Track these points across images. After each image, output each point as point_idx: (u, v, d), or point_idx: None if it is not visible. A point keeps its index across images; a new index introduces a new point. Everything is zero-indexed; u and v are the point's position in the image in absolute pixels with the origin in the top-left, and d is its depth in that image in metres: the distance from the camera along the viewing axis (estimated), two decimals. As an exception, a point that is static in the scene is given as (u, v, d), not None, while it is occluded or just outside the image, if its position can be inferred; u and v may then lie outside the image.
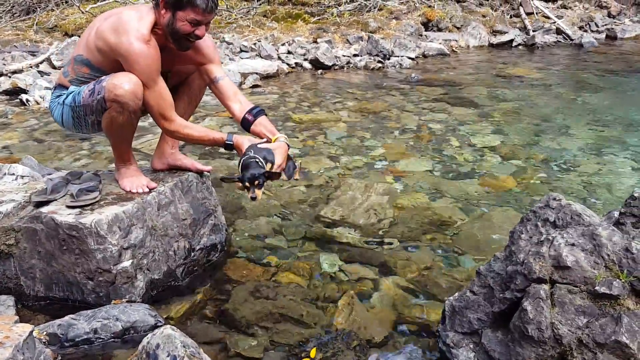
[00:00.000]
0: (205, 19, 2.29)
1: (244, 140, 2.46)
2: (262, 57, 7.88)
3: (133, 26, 2.24)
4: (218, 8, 2.26)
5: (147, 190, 2.44)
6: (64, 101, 2.46)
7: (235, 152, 2.54)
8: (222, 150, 2.73)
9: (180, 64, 2.57)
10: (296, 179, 2.76)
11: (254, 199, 2.26)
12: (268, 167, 2.32)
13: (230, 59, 7.59)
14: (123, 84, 2.23)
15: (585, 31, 10.85)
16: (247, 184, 2.24)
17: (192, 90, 2.68)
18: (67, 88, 2.47)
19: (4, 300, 2.27)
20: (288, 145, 2.53)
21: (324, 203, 3.37)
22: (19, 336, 1.67)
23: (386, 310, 2.35)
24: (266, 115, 2.59)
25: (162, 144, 2.71)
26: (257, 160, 2.30)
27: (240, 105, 2.54)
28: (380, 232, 3.02)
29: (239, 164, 2.38)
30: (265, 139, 2.53)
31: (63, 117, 2.49)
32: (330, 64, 7.86)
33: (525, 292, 1.68)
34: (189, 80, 2.66)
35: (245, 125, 2.55)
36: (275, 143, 2.48)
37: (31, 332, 1.72)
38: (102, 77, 2.32)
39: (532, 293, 1.64)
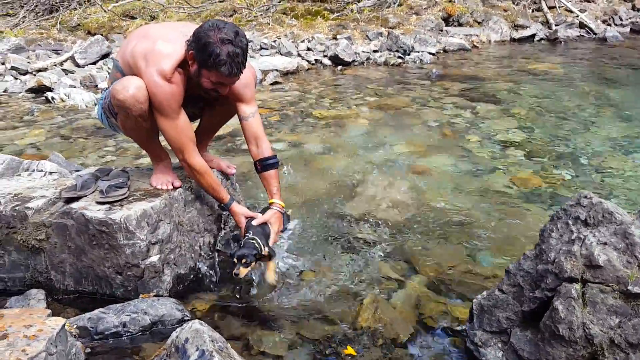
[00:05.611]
0: (228, 82, 2.30)
1: (241, 218, 2.50)
2: (282, 54, 7.90)
3: (159, 61, 2.23)
4: (241, 70, 2.27)
5: (171, 187, 2.47)
6: (102, 103, 2.54)
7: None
8: (245, 147, 2.71)
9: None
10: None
11: (236, 275, 2.29)
12: (265, 251, 2.36)
13: (250, 57, 7.61)
14: (126, 88, 2.23)
15: (609, 25, 10.62)
16: (234, 260, 2.30)
17: (224, 107, 2.64)
18: None
19: (35, 294, 2.32)
20: (282, 212, 2.55)
21: (347, 200, 3.37)
22: (52, 329, 1.70)
23: (411, 308, 2.34)
24: (277, 168, 2.60)
25: None
26: (255, 244, 2.34)
27: (257, 150, 2.56)
28: (404, 230, 3.01)
29: (240, 242, 2.44)
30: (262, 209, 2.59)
31: (102, 118, 2.58)
32: (349, 60, 7.84)
33: (556, 291, 1.66)
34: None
35: (255, 170, 2.62)
36: (269, 214, 2.50)
37: (63, 325, 1.76)
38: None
39: (563, 292, 1.62)
